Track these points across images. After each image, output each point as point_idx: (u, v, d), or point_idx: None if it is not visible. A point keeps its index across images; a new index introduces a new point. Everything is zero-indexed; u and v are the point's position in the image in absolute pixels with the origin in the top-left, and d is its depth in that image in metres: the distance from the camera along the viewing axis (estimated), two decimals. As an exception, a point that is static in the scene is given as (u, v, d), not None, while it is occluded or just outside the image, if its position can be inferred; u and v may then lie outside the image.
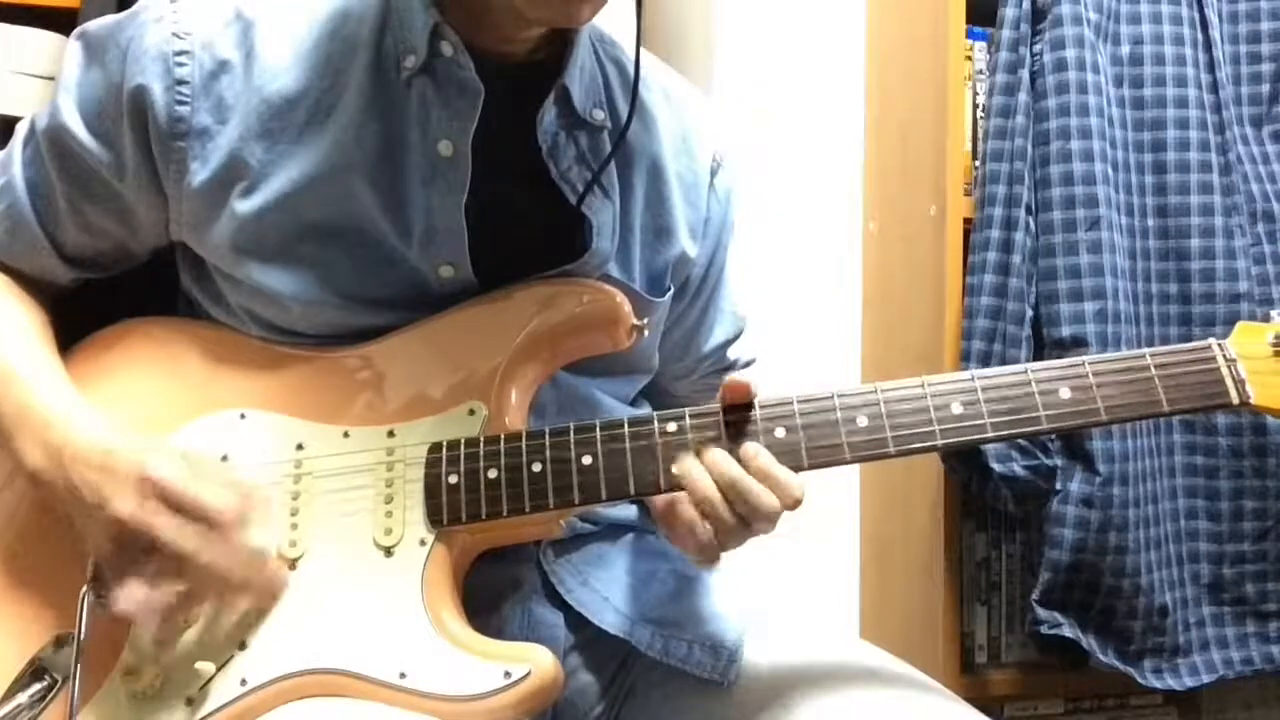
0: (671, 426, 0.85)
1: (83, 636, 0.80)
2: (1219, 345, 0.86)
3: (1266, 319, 0.88)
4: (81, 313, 0.96)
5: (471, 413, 0.87)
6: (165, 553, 0.78)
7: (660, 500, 0.87)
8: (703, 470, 0.83)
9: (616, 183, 0.95)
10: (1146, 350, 0.86)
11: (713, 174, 1.03)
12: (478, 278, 0.90)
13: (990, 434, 0.84)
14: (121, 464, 0.80)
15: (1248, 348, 0.87)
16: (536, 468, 0.84)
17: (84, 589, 0.81)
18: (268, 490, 0.85)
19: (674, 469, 0.84)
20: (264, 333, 0.92)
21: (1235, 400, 0.85)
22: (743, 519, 0.82)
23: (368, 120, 0.89)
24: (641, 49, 0.95)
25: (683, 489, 0.84)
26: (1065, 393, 0.84)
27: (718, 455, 0.83)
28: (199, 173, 0.88)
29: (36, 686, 0.83)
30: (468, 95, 0.89)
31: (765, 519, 0.82)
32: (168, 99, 0.87)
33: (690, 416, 0.85)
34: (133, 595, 0.78)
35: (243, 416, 0.89)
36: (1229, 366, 0.86)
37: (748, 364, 1.15)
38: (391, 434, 0.87)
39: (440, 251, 0.90)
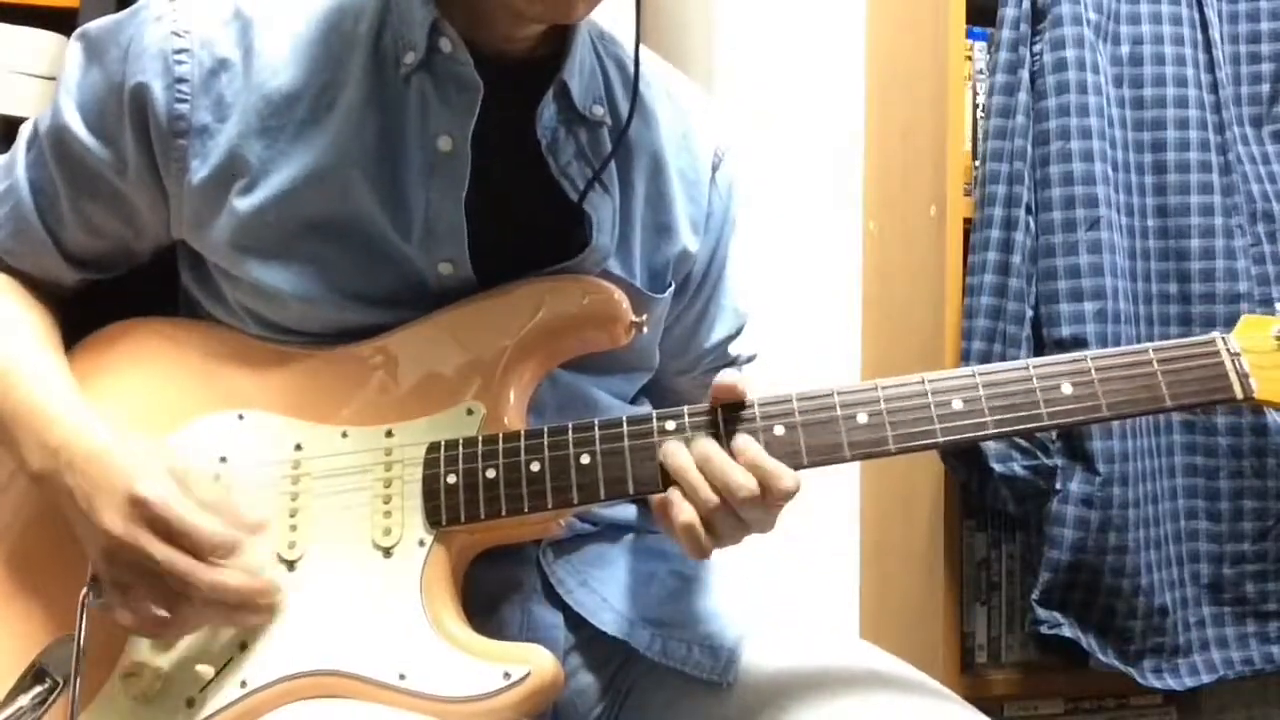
0: (670, 425, 0.84)
1: (83, 639, 0.80)
2: (1223, 339, 0.85)
3: (1271, 313, 0.87)
4: (82, 312, 0.96)
5: (470, 412, 0.87)
6: (157, 572, 0.78)
7: (658, 495, 0.87)
8: (687, 454, 0.82)
9: (616, 179, 0.95)
10: (1149, 345, 0.85)
11: (714, 169, 1.03)
12: (477, 275, 0.90)
13: (991, 430, 0.83)
14: (113, 476, 0.80)
15: (1251, 341, 0.85)
16: (535, 467, 0.84)
17: (84, 591, 0.81)
18: (263, 507, 0.85)
19: (660, 454, 0.83)
20: (263, 331, 0.92)
21: (1239, 394, 0.84)
22: (726, 503, 0.80)
23: (367, 117, 0.89)
24: (642, 47, 0.95)
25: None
26: (1067, 388, 0.83)
27: (703, 441, 0.82)
28: (199, 170, 0.88)
29: (37, 689, 0.83)
30: (467, 91, 0.89)
31: (748, 503, 0.80)
32: (168, 97, 0.87)
33: (689, 415, 0.85)
34: (127, 609, 0.79)
35: (241, 417, 0.89)
36: (1233, 360, 0.84)
37: (749, 360, 1.15)
38: (390, 434, 0.87)
39: (440, 248, 0.89)
